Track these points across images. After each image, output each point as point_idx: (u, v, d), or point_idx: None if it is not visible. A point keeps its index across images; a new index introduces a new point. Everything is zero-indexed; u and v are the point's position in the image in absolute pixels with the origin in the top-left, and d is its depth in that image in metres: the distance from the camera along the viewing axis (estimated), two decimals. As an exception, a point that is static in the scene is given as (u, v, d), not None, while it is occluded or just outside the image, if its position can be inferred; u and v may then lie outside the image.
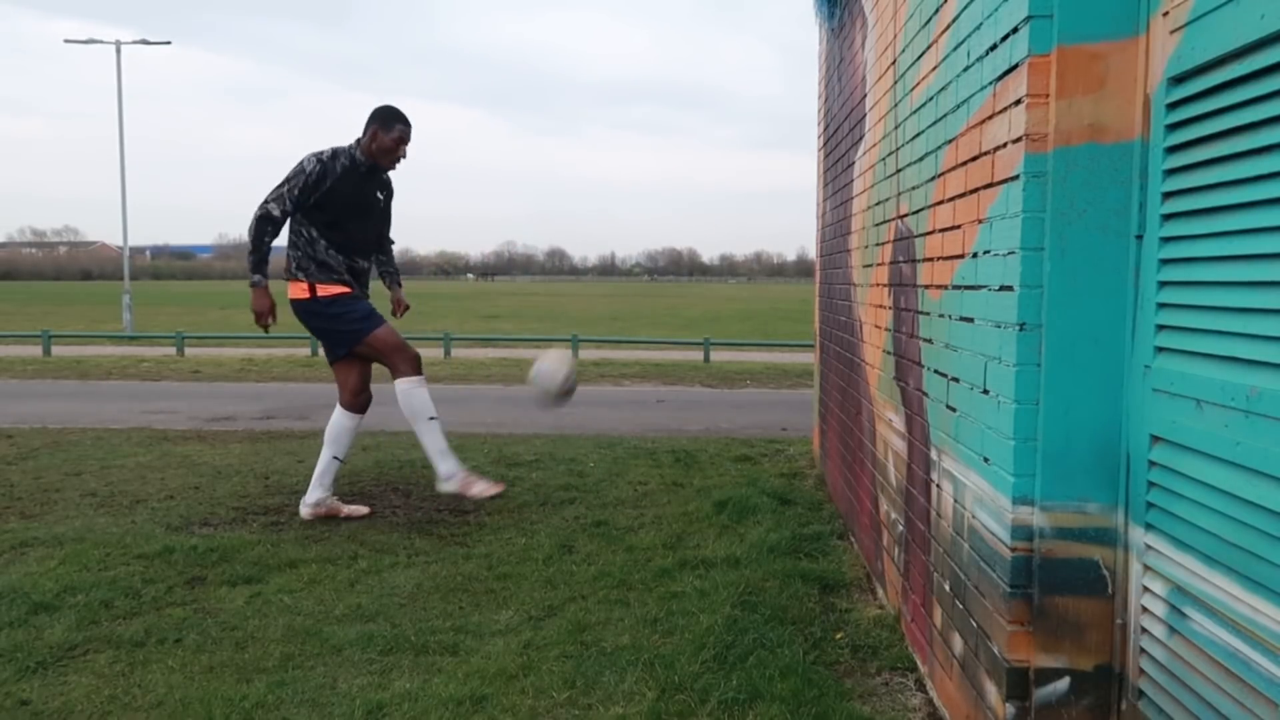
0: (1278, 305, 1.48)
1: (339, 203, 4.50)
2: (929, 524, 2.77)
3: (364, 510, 4.76)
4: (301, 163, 4.46)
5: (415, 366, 4.59)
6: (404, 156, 4.62)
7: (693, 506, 4.87)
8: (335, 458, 4.68)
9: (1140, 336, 1.90)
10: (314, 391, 10.85)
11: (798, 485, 5.47)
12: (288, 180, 4.44)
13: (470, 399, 10.12)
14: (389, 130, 4.52)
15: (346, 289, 4.56)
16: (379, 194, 4.71)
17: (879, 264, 3.63)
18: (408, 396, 4.54)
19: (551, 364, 4.69)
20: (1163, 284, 1.82)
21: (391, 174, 4.76)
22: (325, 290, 4.51)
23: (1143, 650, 1.88)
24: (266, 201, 4.44)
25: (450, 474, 4.52)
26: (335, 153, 4.50)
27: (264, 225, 4.43)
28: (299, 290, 4.52)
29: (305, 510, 4.66)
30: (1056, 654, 2.02)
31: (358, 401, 4.70)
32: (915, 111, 2.97)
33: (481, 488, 4.50)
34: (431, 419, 4.54)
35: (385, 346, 4.57)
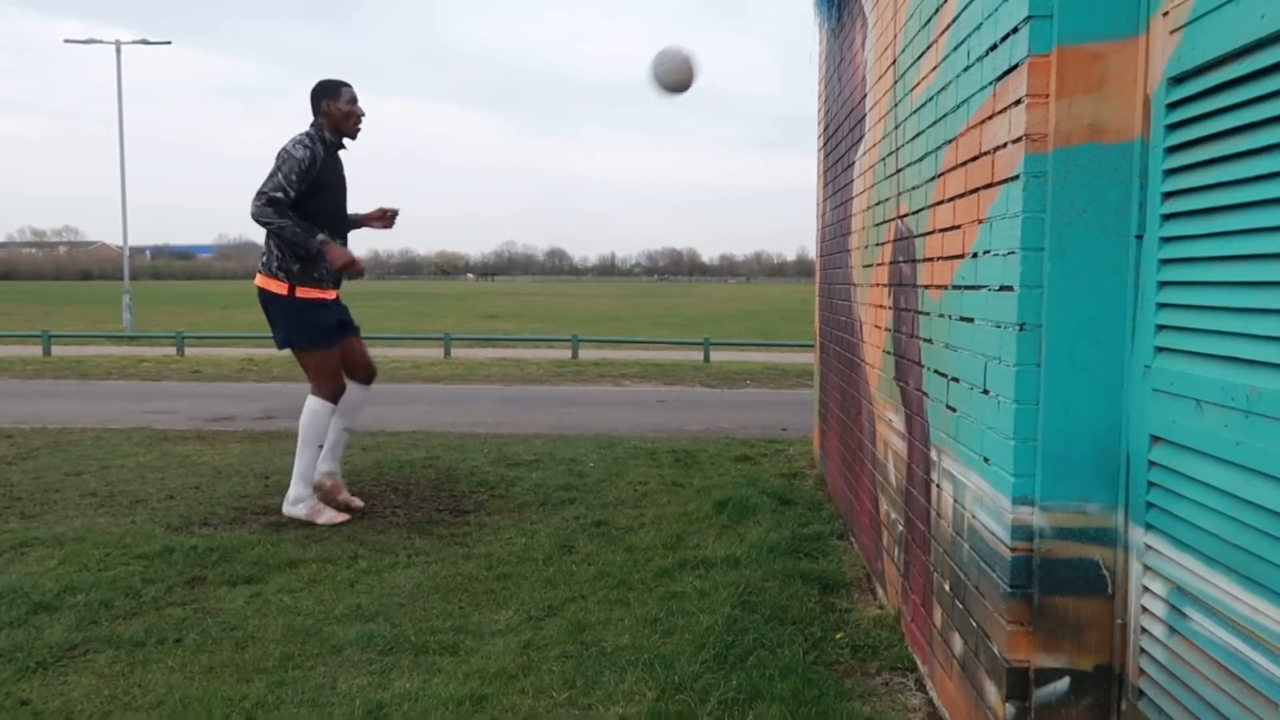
0: (1278, 305, 1.48)
1: (326, 186, 4.53)
2: (929, 524, 2.77)
3: (359, 503, 4.87)
4: (289, 150, 4.38)
5: (336, 396, 4.68)
6: (363, 114, 4.61)
7: (693, 506, 4.87)
8: (346, 429, 4.87)
9: (1140, 336, 1.90)
10: (314, 391, 10.84)
11: (798, 485, 5.47)
12: (279, 170, 4.35)
13: (470, 399, 10.12)
14: (338, 96, 4.53)
15: (324, 293, 4.58)
16: (343, 170, 4.75)
17: (879, 264, 3.63)
18: (314, 415, 4.62)
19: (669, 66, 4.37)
20: (1163, 284, 1.82)
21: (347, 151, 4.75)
22: (304, 293, 4.52)
23: (1143, 650, 1.88)
24: (267, 191, 4.33)
25: (300, 498, 4.59)
26: (312, 137, 4.48)
27: (280, 208, 4.34)
28: (277, 286, 4.51)
29: (298, 509, 4.68)
30: (1056, 654, 2.02)
31: (357, 378, 4.89)
32: (915, 111, 2.97)
33: (329, 515, 4.57)
34: (320, 446, 4.65)
35: (320, 370, 4.63)
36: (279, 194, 4.34)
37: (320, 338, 4.61)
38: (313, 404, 4.64)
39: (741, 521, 4.54)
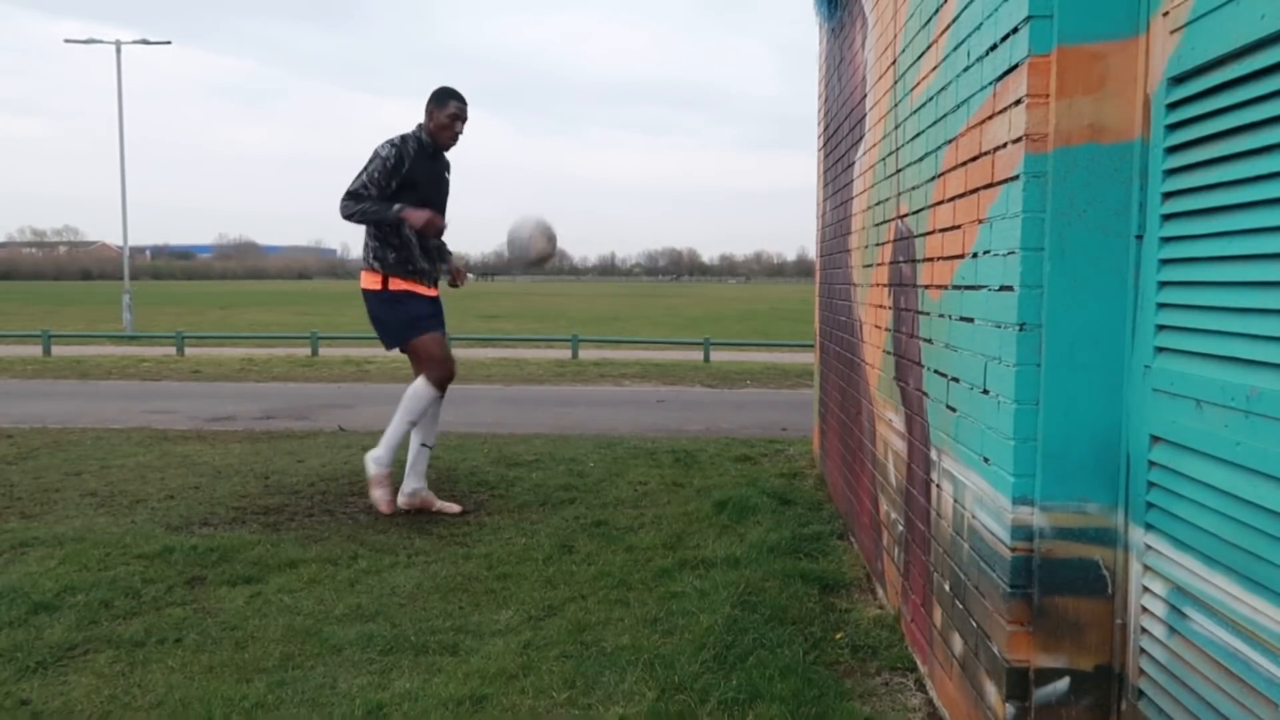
0: (1278, 305, 1.48)
1: (417, 185, 4.63)
2: (929, 524, 2.77)
3: (456, 508, 4.79)
4: (376, 150, 4.56)
5: (443, 383, 4.75)
6: (460, 132, 4.72)
7: (693, 506, 4.87)
8: (424, 445, 4.85)
9: (1140, 336, 1.90)
10: (314, 391, 10.85)
11: (798, 485, 5.47)
12: (365, 169, 4.55)
13: (470, 399, 10.11)
14: (443, 108, 4.67)
15: (417, 286, 4.72)
16: (446, 174, 4.89)
17: (879, 264, 3.63)
18: (415, 397, 4.70)
19: (525, 234, 4.72)
20: (1163, 284, 1.82)
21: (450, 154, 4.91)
22: (396, 285, 4.67)
23: (1143, 650, 1.88)
24: (350, 188, 4.55)
25: (379, 460, 4.71)
26: (404, 137, 4.63)
27: (358, 199, 4.54)
28: (371, 281, 4.68)
29: (402, 500, 4.77)
30: (1056, 654, 2.02)
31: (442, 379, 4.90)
32: (915, 111, 2.97)
33: (382, 495, 4.70)
34: (413, 423, 4.73)
35: (426, 355, 4.73)
36: (359, 189, 4.55)
37: (419, 324, 4.73)
38: (418, 385, 4.72)
39: (741, 521, 4.54)
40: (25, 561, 3.87)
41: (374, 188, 4.54)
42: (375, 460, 4.74)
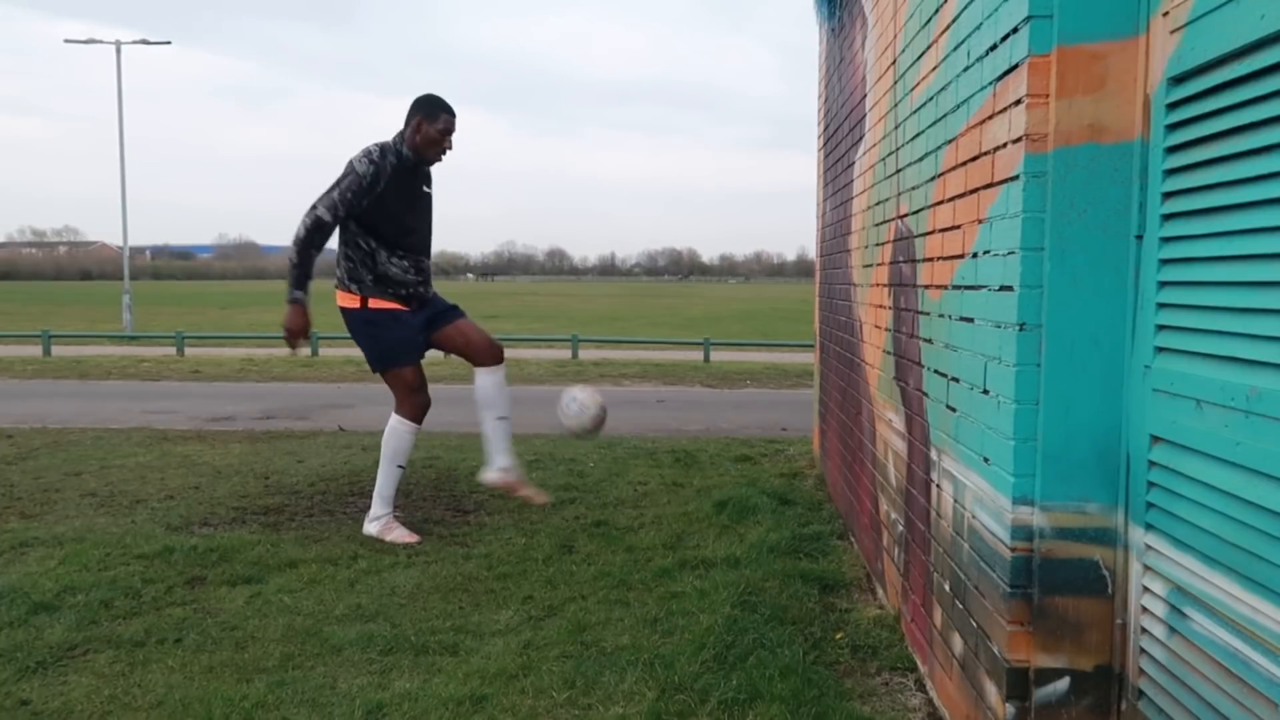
0: (1278, 305, 1.48)
1: (395, 203, 4.27)
2: (929, 524, 2.77)
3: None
4: (352, 164, 4.19)
5: (417, 414, 4.46)
6: (449, 148, 4.35)
7: (693, 506, 4.87)
8: (399, 466, 4.50)
9: (1140, 336, 1.90)
10: (314, 391, 10.85)
11: (798, 485, 5.47)
12: (338, 184, 4.18)
13: (470, 399, 10.11)
14: (434, 120, 4.26)
15: (400, 306, 4.36)
16: (425, 187, 4.46)
17: (879, 264, 3.63)
18: (393, 433, 4.42)
19: (580, 404, 4.74)
20: (1163, 284, 1.82)
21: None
22: (377, 304, 4.31)
23: (1143, 650, 1.88)
24: (316, 207, 4.17)
25: (373, 516, 4.39)
26: (384, 150, 4.23)
27: (314, 235, 4.16)
28: (349, 300, 4.33)
29: (493, 477, 4.65)
30: (1056, 654, 2.02)
31: (483, 362, 4.64)
32: (915, 111, 2.97)
33: (399, 534, 4.32)
34: (399, 466, 4.45)
35: (400, 385, 4.41)
36: (325, 212, 4.17)
37: (395, 355, 4.38)
38: (392, 422, 4.42)
39: (741, 521, 4.54)
40: (25, 561, 3.87)
41: (343, 207, 4.15)
42: (371, 519, 4.39)
